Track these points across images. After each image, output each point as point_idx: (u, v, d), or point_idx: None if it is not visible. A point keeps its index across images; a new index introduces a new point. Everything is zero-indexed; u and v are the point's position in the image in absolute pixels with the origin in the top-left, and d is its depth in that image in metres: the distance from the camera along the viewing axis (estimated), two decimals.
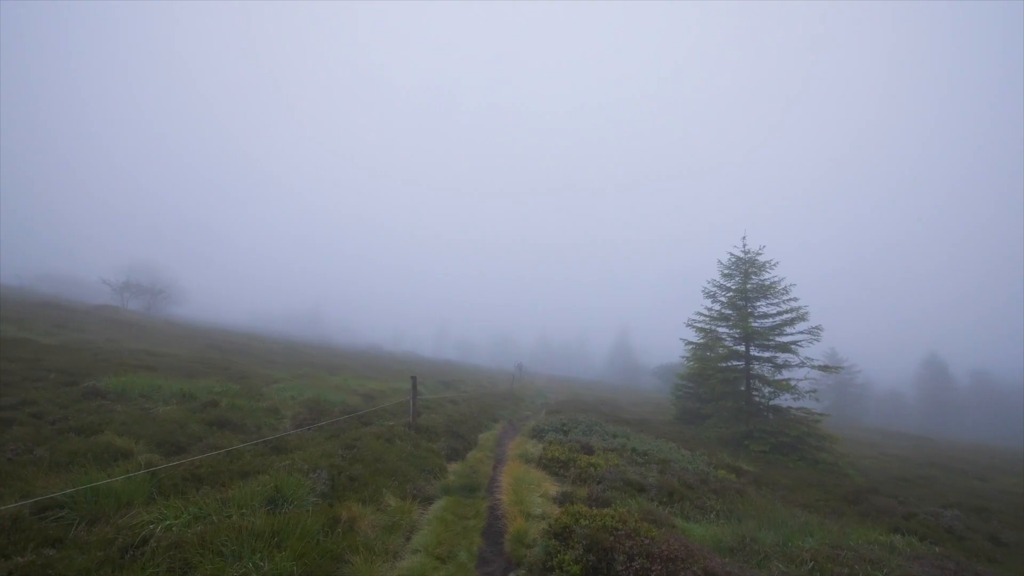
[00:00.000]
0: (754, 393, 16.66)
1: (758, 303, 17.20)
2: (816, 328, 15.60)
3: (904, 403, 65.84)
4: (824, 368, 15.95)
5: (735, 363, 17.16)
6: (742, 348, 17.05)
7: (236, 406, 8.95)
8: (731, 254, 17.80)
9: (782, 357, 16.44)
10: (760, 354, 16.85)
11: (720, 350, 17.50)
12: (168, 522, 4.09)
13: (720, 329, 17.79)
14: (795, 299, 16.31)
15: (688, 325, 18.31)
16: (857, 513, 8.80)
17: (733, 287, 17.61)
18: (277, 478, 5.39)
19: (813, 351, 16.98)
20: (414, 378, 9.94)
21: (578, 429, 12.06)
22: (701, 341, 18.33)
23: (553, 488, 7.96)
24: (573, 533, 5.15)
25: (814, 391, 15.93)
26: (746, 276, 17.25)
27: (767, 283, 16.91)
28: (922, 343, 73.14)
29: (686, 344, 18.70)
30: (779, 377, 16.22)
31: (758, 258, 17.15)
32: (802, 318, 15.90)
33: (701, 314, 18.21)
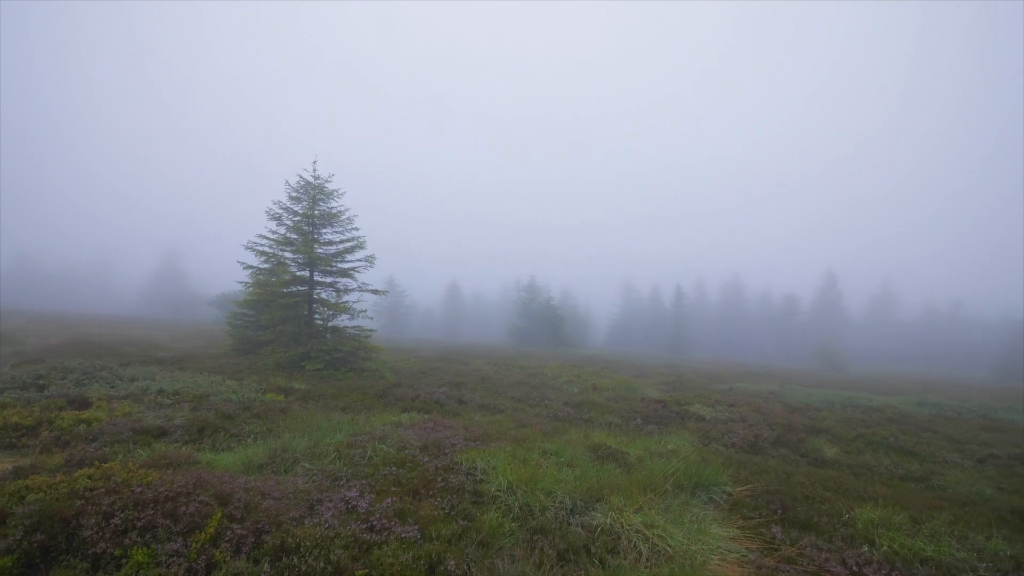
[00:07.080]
0: (316, 316, 17.35)
1: (324, 230, 17.65)
2: (371, 256, 17.57)
3: (436, 317, 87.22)
4: (375, 291, 18.55)
5: (299, 288, 17.15)
6: (306, 273, 17.22)
7: None
8: (300, 177, 17.24)
9: (343, 282, 17.77)
10: (323, 279, 17.56)
11: (285, 276, 17.00)
12: None
13: (285, 254, 17.20)
14: (357, 228, 17.70)
15: (248, 248, 16.69)
16: (383, 404, 10.73)
17: (300, 211, 17.24)
18: None
19: (372, 278, 19.02)
20: None
21: (69, 379, 8.77)
22: (265, 266, 17.21)
23: (2, 466, 5.47)
24: (10, 517, 3.62)
25: (364, 311, 18.07)
26: (314, 202, 17.22)
27: (334, 211, 17.52)
28: (446, 274, 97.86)
29: (245, 268, 17.03)
30: (341, 301, 17.52)
31: (327, 185, 17.38)
32: (361, 246, 17.52)
33: (265, 237, 16.97)
